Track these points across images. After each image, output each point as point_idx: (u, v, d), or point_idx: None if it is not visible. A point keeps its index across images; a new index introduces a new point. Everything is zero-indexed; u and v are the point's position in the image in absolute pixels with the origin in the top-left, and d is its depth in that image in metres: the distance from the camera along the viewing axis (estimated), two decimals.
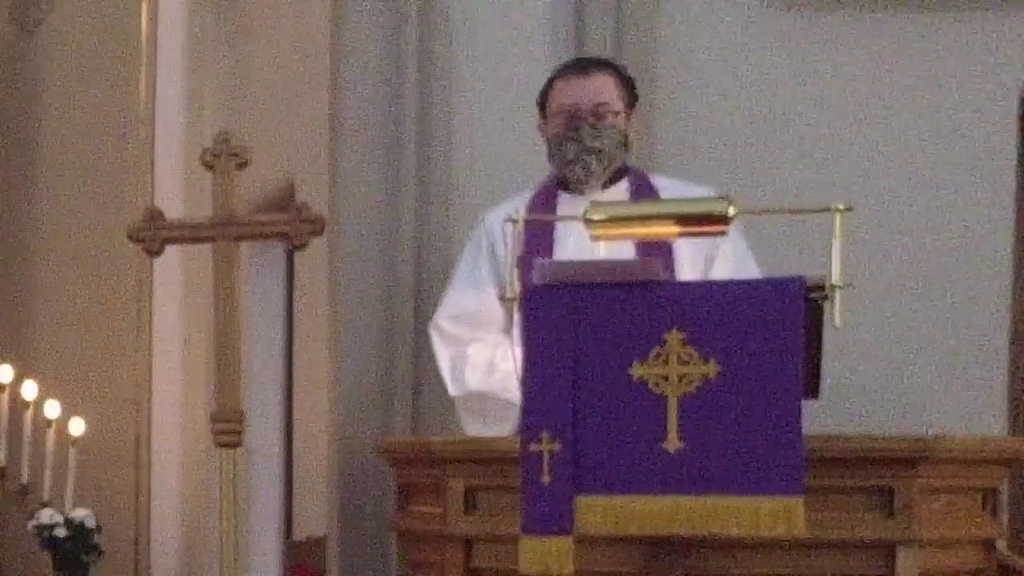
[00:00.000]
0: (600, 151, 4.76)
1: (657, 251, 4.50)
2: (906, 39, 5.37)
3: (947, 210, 5.32)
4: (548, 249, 4.71)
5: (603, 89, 4.81)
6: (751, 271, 4.68)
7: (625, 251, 4.52)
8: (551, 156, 4.84)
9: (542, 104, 4.89)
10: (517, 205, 4.80)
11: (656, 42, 5.34)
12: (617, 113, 4.79)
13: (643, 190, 4.80)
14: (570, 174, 4.79)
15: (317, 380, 6.51)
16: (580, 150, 4.76)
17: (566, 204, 4.80)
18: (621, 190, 4.81)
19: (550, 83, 4.88)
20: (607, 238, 4.40)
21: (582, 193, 4.78)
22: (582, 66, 4.88)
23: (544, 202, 4.84)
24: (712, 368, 3.93)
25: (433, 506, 4.55)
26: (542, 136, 4.89)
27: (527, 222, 4.50)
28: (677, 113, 5.32)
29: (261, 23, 8.03)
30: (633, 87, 4.88)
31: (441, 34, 5.36)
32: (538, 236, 4.71)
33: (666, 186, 4.82)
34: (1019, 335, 5.40)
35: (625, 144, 4.81)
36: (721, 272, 4.65)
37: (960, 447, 4.19)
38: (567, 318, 4.01)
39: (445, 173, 5.35)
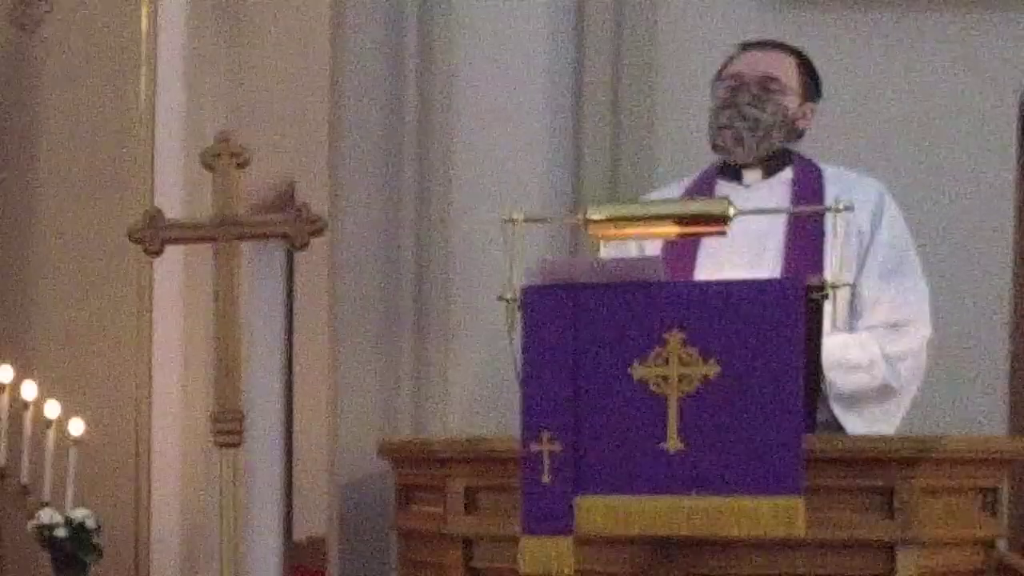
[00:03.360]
0: (756, 121, 4.54)
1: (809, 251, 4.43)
2: (906, 39, 5.37)
3: (947, 210, 5.32)
4: (692, 243, 4.51)
5: (777, 65, 4.60)
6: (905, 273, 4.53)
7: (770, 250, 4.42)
8: (709, 128, 4.62)
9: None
10: (674, 191, 4.69)
11: (656, 42, 5.33)
12: (786, 92, 4.56)
13: (808, 179, 4.58)
14: (719, 140, 4.58)
15: (317, 380, 6.51)
16: (734, 115, 4.54)
17: (724, 191, 4.58)
18: (784, 178, 4.61)
19: (728, 60, 4.68)
20: (607, 238, 4.40)
21: (740, 180, 4.61)
22: (763, 42, 4.67)
23: (701, 189, 4.65)
24: (712, 368, 3.93)
25: (433, 506, 4.55)
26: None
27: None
28: (677, 113, 5.32)
29: (261, 24, 8.03)
30: (817, 82, 4.66)
31: (441, 34, 5.35)
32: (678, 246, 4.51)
33: (834, 177, 4.59)
34: (1019, 335, 5.40)
35: (790, 130, 4.59)
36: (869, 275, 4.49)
37: (960, 447, 4.20)
38: (567, 318, 4.01)
39: (445, 173, 5.35)
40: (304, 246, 5.11)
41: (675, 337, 3.95)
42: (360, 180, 5.43)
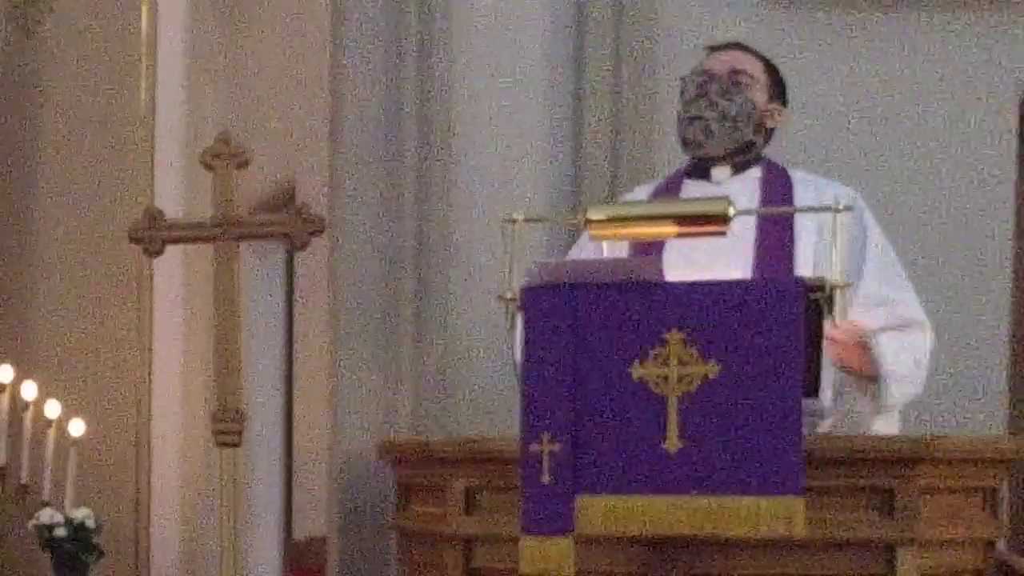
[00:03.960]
0: (724, 111, 4.52)
1: (778, 252, 4.44)
2: (906, 39, 5.37)
3: (947, 210, 5.32)
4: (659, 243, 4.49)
5: (745, 61, 4.60)
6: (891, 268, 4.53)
7: (744, 251, 4.43)
8: (678, 124, 4.60)
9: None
10: (645, 192, 4.69)
11: (656, 41, 5.34)
12: (754, 86, 4.56)
13: (776, 181, 4.58)
14: (688, 134, 4.55)
15: (317, 380, 6.51)
16: (704, 106, 4.52)
17: (691, 191, 4.59)
18: (752, 177, 4.60)
19: (697, 64, 4.67)
20: (607, 238, 4.40)
21: (708, 179, 4.60)
22: (731, 43, 4.67)
23: (669, 189, 4.65)
24: (712, 368, 3.92)
25: (433, 506, 4.55)
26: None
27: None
28: (677, 112, 5.31)
29: (261, 24, 8.03)
30: (783, 86, 4.66)
31: (441, 34, 5.35)
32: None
33: (802, 180, 4.59)
34: (1019, 335, 5.40)
35: (758, 127, 4.58)
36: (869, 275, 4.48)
37: (960, 447, 4.19)
38: (567, 318, 4.01)
39: (445, 174, 5.35)
40: (304, 246, 5.11)
41: (675, 337, 3.95)
42: (360, 180, 5.43)
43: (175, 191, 8.51)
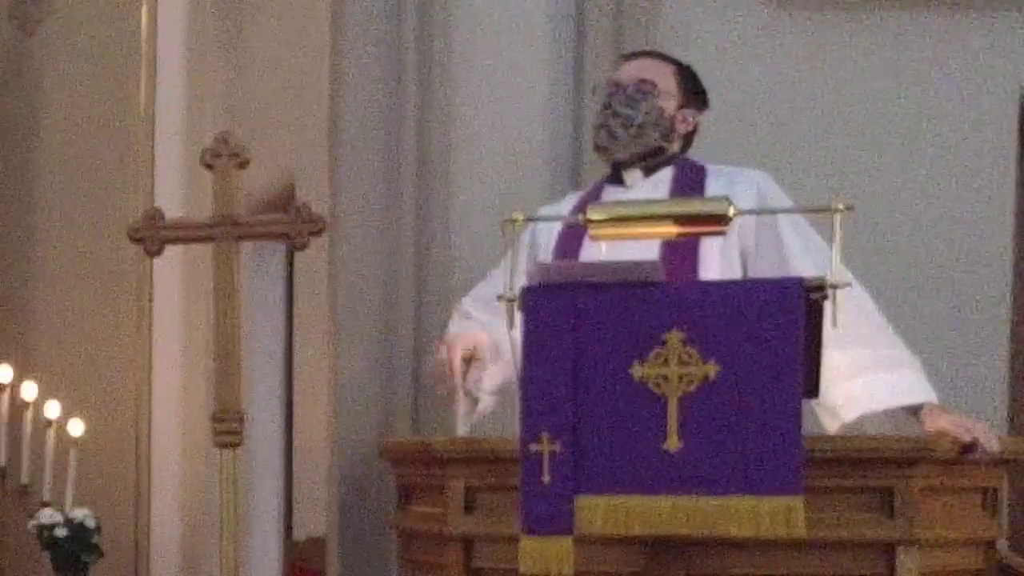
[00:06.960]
0: (629, 119, 4.66)
1: (682, 248, 4.47)
2: (906, 39, 5.37)
3: (947, 210, 5.32)
4: (578, 248, 4.60)
5: (652, 70, 4.73)
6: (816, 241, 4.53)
7: (651, 247, 4.47)
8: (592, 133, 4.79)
9: None
10: (571, 201, 4.76)
11: (656, 41, 5.34)
12: (660, 95, 4.68)
13: (687, 177, 4.67)
14: (596, 139, 4.72)
15: (317, 380, 6.51)
16: (608, 115, 4.68)
17: (609, 196, 4.69)
18: (665, 178, 4.69)
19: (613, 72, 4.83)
20: (607, 238, 4.40)
21: (624, 185, 4.70)
22: (643, 52, 4.84)
23: (591, 197, 4.73)
24: (712, 368, 3.92)
25: (433, 506, 4.54)
26: None
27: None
28: None
29: (261, 23, 8.03)
30: (699, 89, 4.76)
31: (441, 34, 5.36)
32: (572, 234, 4.63)
33: (715, 172, 4.68)
34: (1019, 335, 5.40)
35: (667, 130, 4.69)
36: (798, 252, 4.52)
37: (960, 447, 4.19)
38: (567, 318, 4.00)
39: (445, 173, 5.35)
40: (304, 246, 5.11)
41: (675, 337, 3.95)
42: (360, 180, 5.43)
43: (175, 191, 8.51)
